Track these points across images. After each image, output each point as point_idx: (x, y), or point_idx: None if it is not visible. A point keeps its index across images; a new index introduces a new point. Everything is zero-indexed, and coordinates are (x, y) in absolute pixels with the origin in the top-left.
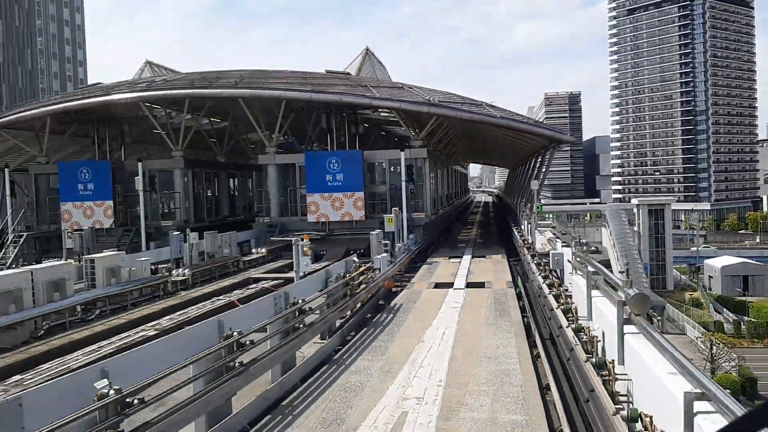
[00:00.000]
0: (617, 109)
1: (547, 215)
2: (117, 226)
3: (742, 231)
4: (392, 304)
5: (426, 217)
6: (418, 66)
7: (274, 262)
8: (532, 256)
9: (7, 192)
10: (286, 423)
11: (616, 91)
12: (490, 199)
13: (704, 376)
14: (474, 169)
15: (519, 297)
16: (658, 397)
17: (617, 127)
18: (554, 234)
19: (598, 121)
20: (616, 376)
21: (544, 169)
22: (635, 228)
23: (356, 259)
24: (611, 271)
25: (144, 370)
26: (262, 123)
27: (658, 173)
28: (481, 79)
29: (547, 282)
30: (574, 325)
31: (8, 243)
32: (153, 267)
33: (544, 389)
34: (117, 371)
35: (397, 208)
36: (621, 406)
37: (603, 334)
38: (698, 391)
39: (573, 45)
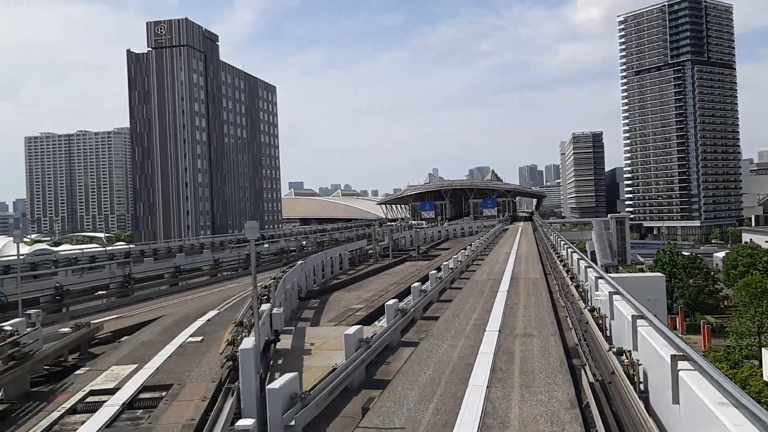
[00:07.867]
0: (629, 148)
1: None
2: (436, 218)
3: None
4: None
5: (509, 217)
6: (456, 90)
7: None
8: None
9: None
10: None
11: (627, 134)
12: (526, 215)
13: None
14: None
15: (534, 228)
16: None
17: (629, 162)
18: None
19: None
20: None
21: (542, 204)
22: (610, 231)
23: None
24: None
25: None
26: (469, 192)
27: (660, 198)
28: (522, 101)
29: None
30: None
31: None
32: None
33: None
34: None
35: (507, 213)
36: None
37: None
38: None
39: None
